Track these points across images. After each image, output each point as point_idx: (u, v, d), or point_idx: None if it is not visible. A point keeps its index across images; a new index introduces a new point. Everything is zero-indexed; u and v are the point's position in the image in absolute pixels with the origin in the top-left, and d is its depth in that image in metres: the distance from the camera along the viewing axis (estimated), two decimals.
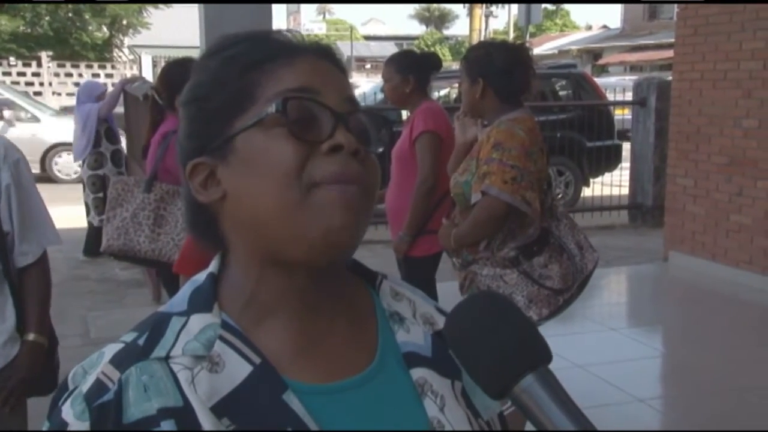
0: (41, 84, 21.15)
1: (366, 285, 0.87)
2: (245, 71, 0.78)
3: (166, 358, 0.73)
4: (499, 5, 43.67)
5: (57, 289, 6.48)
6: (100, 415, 0.71)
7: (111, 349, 0.75)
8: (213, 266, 0.81)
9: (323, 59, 0.81)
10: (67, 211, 7.69)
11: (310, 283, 0.78)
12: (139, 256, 3.50)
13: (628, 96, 8.98)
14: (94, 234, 6.90)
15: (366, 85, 12.81)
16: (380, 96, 8.67)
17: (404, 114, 4.22)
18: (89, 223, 7.01)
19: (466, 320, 0.72)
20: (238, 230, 0.79)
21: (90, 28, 25.15)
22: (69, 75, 21.59)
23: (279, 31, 0.83)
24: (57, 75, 21.43)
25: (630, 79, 17.38)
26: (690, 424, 3.66)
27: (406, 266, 3.64)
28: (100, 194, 6.77)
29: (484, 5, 40.34)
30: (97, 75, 21.15)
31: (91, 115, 6.73)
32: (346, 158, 0.74)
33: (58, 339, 2.35)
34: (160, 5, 25.92)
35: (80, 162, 7.06)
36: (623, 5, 37.45)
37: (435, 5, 63.97)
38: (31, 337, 2.16)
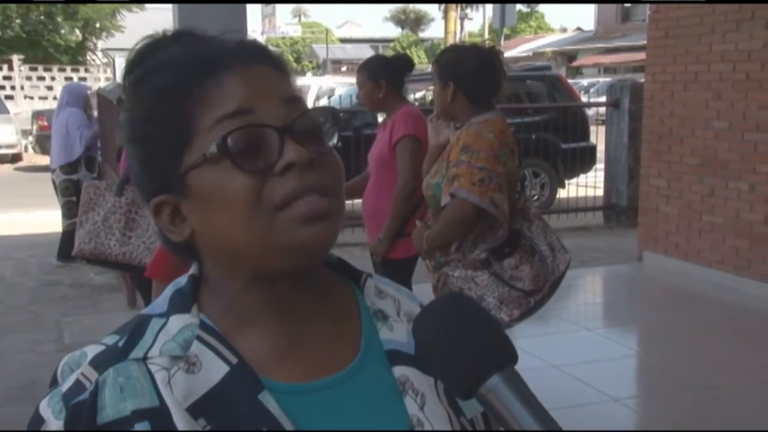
0: (12, 87, 20.90)
1: (350, 283, 0.87)
2: (177, 103, 0.76)
3: (144, 359, 0.74)
4: (474, 8, 43.89)
5: (31, 294, 6.43)
6: (74, 414, 0.72)
7: (92, 350, 0.76)
8: (194, 268, 0.82)
9: (252, 63, 0.78)
10: (42, 216, 7.62)
11: (292, 289, 0.78)
12: (110, 259, 3.48)
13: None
14: (68, 238, 6.86)
15: (341, 89, 12.80)
16: (356, 100, 8.68)
17: (380, 117, 4.23)
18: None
19: (432, 322, 0.73)
20: (214, 256, 0.79)
21: (63, 31, 24.90)
22: (41, 78, 21.37)
23: (199, 37, 0.80)
24: (29, 78, 21.21)
25: (604, 81, 17.54)
26: (664, 424, 3.70)
27: (384, 269, 3.64)
28: (73, 198, 6.72)
29: (458, 8, 40.50)
30: (70, 78, 20.93)
31: (75, 123, 6.66)
32: (300, 172, 0.73)
33: None
34: (134, 8, 25.73)
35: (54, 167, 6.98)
36: (596, 7, 37.79)
37: (411, 7, 64.14)
38: None
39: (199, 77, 0.76)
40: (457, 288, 2.83)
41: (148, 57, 0.79)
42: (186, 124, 0.75)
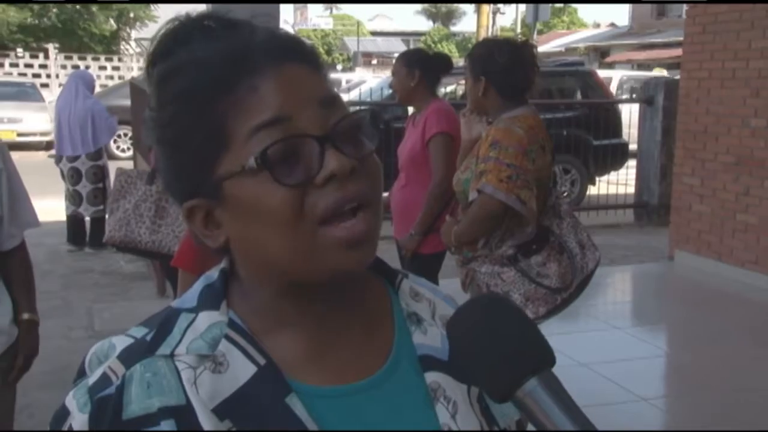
0: (48, 76, 21.19)
1: (385, 284, 0.85)
2: (207, 108, 0.72)
3: (171, 356, 0.73)
4: (507, 3, 43.52)
5: (62, 281, 6.50)
6: (99, 407, 0.71)
7: (121, 343, 0.75)
8: (225, 261, 0.80)
9: (285, 62, 0.73)
10: (47, 204, 7.63)
11: (326, 297, 0.77)
12: (139, 247, 3.51)
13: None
14: (97, 225, 6.91)
15: (372, 81, 12.79)
16: (387, 92, 8.66)
17: (409, 110, 4.21)
18: (71, 216, 7.02)
19: (467, 324, 0.71)
20: (249, 262, 0.77)
21: (97, 20, 25.18)
22: (76, 67, 21.62)
23: (225, 23, 0.76)
24: (64, 67, 21.47)
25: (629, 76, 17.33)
26: (693, 424, 3.65)
27: (414, 264, 3.64)
28: (100, 185, 6.80)
29: (491, 2, 40.19)
30: (104, 67, 21.20)
31: (101, 112, 6.79)
32: (342, 182, 0.70)
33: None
34: None
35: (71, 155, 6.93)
36: (632, 3, 37.33)
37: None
38: (26, 316, 2.26)
39: (231, 81, 0.72)
40: (484, 284, 2.81)
41: (173, 48, 0.76)
42: (220, 131, 0.72)
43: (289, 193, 0.70)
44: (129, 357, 0.73)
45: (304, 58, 0.76)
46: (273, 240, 0.71)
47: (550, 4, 18.14)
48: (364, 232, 0.71)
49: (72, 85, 6.94)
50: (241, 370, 0.73)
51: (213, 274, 0.80)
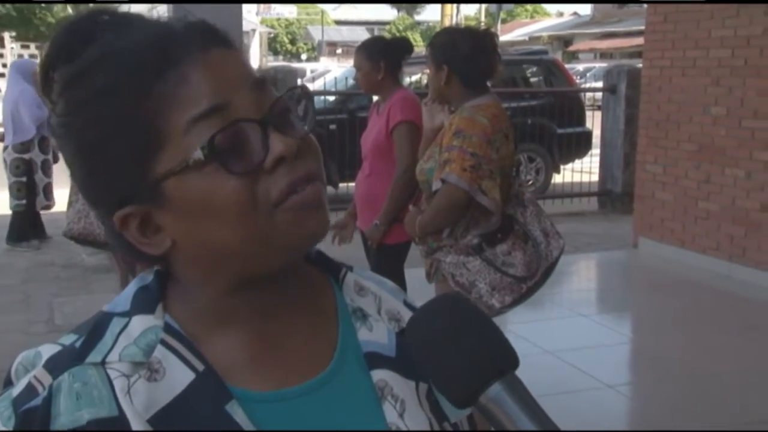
0: (4, 65, 20.75)
1: (329, 278, 0.82)
2: (133, 104, 0.67)
3: (103, 363, 0.68)
4: None
5: (23, 275, 6.37)
6: (24, 421, 0.66)
7: (47, 351, 0.70)
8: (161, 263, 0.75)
9: (209, 47, 0.69)
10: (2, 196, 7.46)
11: (273, 291, 0.74)
12: (98, 240, 3.45)
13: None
14: (18, 219, 6.74)
15: (337, 70, 12.73)
16: (351, 81, 8.61)
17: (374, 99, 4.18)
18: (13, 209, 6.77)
19: (428, 327, 0.68)
20: (197, 264, 0.72)
21: (55, 8, 24.70)
22: (33, 56, 21.22)
23: (124, 17, 0.71)
24: (21, 56, 21.05)
25: (600, 66, 17.49)
26: (658, 410, 3.70)
27: (379, 254, 3.62)
28: (23, 178, 6.54)
29: None
30: None
31: (27, 101, 6.40)
32: (291, 163, 0.68)
33: None
34: None
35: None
36: None
37: None
38: None
39: (156, 72, 0.67)
40: (449, 274, 2.80)
41: (76, 48, 0.70)
42: (151, 128, 0.67)
43: (239, 182, 0.67)
44: (56, 366, 0.68)
45: (226, 42, 0.72)
46: (227, 234, 0.68)
47: None
48: (318, 196, 0.70)
49: (9, 74, 6.74)
50: (178, 377, 0.69)
51: (148, 276, 0.75)
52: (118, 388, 0.67)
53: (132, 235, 0.71)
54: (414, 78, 9.73)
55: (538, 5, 55.39)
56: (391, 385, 0.75)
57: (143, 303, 0.72)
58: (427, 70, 3.10)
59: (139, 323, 0.71)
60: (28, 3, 22.76)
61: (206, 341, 0.72)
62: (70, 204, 3.55)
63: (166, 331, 0.71)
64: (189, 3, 3.98)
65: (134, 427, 0.66)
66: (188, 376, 0.69)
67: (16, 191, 6.59)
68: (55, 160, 6.77)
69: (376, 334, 0.78)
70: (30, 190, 6.57)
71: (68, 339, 0.71)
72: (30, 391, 0.67)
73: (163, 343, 0.70)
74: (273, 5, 53.84)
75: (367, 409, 0.74)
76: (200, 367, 0.70)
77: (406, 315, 0.81)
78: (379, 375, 0.76)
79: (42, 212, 6.89)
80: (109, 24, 0.71)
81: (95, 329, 0.71)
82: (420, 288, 2.84)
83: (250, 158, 0.67)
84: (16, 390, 0.68)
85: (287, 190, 0.68)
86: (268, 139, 0.68)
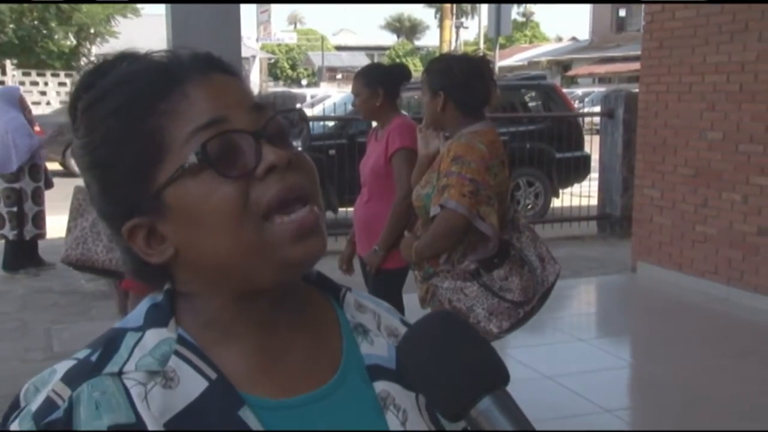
0: None
1: (329, 298, 0.86)
2: (141, 120, 0.73)
3: (119, 374, 0.72)
4: (469, 16, 44.00)
5: (20, 301, 6.35)
6: None
7: (63, 366, 0.74)
8: (169, 283, 0.80)
9: (211, 73, 0.76)
10: None
11: (272, 306, 0.77)
12: (96, 266, 3.46)
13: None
14: (10, 248, 6.74)
15: (337, 96, 12.79)
16: (351, 107, 8.66)
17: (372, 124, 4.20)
18: (3, 236, 6.74)
19: (420, 342, 0.71)
20: (198, 275, 0.77)
21: (56, 36, 24.86)
22: (35, 83, 21.33)
23: (146, 56, 0.77)
24: (22, 83, 21.15)
25: (598, 90, 17.58)
26: None
27: (377, 279, 3.62)
28: (14, 208, 6.53)
29: (454, 16, 40.63)
30: (63, 84, 20.92)
31: (16, 129, 6.35)
32: (282, 174, 0.72)
33: None
34: (129, 14, 25.71)
35: None
36: (591, 16, 37.93)
37: (407, 15, 64.33)
38: None
39: (162, 91, 0.74)
40: (446, 299, 2.81)
41: (95, 81, 0.77)
42: (156, 140, 0.73)
43: (232, 186, 0.71)
44: (74, 378, 0.71)
45: (228, 70, 0.79)
46: (221, 239, 0.72)
47: (512, 18, 18.35)
48: (314, 221, 0.73)
49: None
50: (192, 385, 0.72)
51: (158, 295, 0.79)
52: (135, 395, 0.70)
53: (139, 246, 0.76)
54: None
55: (537, 30, 55.80)
56: (393, 395, 0.79)
57: (156, 318, 0.76)
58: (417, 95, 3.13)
59: (154, 336, 0.74)
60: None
61: (215, 351, 0.76)
62: (68, 230, 3.57)
63: (180, 342, 0.75)
64: (189, 3, 4.06)
65: (151, 429, 0.69)
66: (202, 384, 0.73)
67: (8, 221, 6.60)
68: (47, 187, 6.76)
69: (377, 348, 0.83)
70: (19, 220, 6.57)
71: (83, 353, 0.75)
72: (50, 404, 0.70)
73: (177, 353, 0.74)
74: (273, 31, 54.28)
75: (371, 418, 0.78)
76: (213, 375, 0.74)
77: (404, 331, 0.84)
78: (381, 386, 0.80)
79: (39, 240, 6.88)
80: (127, 60, 0.77)
81: (110, 343, 0.74)
82: (417, 312, 2.83)
83: (243, 165, 0.72)
84: (34, 405, 0.70)
85: (278, 198, 0.72)
86: (260, 150, 0.72)
